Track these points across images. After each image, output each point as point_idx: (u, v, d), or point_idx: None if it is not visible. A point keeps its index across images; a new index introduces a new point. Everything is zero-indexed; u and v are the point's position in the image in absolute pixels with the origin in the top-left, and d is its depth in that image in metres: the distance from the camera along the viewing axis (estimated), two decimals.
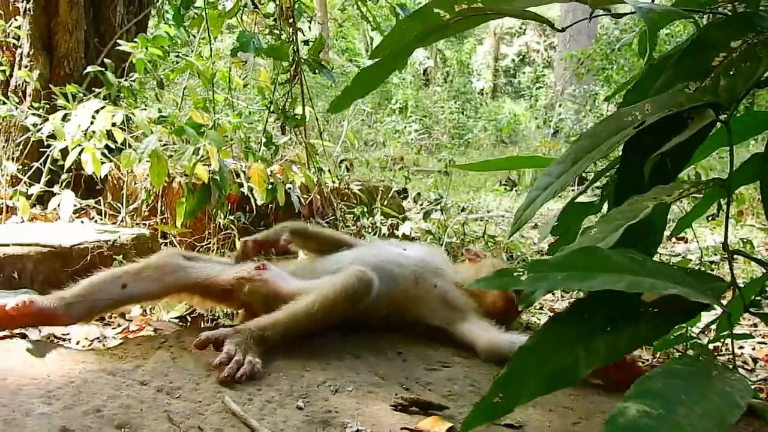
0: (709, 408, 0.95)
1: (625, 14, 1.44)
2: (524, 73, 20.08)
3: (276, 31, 4.10)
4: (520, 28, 20.71)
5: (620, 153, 1.46)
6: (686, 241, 5.23)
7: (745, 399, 0.97)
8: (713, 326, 2.33)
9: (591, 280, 1.10)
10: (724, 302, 1.23)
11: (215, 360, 1.67)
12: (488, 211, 6.69)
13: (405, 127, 13.93)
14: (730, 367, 1.12)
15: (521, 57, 20.70)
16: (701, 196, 1.98)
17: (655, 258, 4.30)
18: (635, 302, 1.16)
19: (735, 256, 1.52)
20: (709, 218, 4.54)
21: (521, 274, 1.12)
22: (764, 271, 1.42)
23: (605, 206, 1.83)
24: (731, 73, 1.29)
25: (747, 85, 1.26)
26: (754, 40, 1.31)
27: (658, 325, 1.17)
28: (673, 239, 5.24)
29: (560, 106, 14.06)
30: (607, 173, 1.90)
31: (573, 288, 1.09)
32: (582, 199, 2.13)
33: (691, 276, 1.16)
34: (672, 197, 1.19)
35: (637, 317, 1.15)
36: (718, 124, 1.36)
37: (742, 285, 1.90)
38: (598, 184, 2.16)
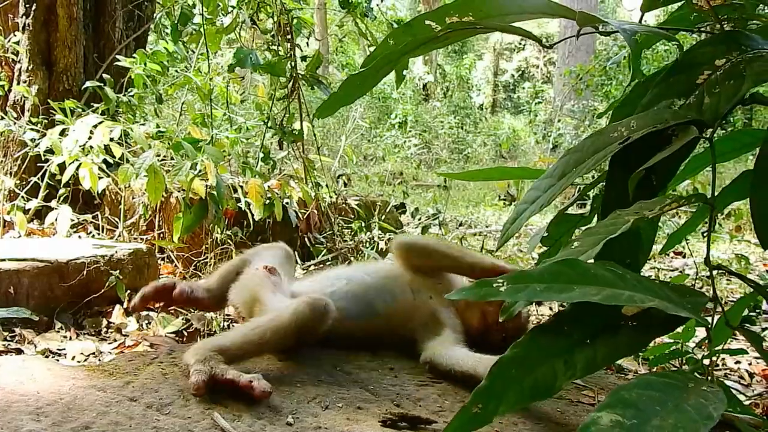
0: (683, 419, 0.95)
1: (613, 32, 1.46)
2: (523, 88, 20.15)
3: (274, 47, 4.13)
4: (520, 43, 20.80)
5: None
6: (684, 256, 5.24)
7: (718, 411, 0.97)
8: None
9: (569, 292, 1.11)
10: (713, 319, 1.24)
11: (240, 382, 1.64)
12: (486, 226, 6.70)
13: (404, 141, 13.98)
14: (720, 380, 1.13)
15: (520, 72, 20.78)
16: (693, 211, 1.99)
17: (653, 272, 4.29)
18: (615, 315, 1.17)
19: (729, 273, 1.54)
20: (705, 234, 4.55)
21: (500, 285, 1.13)
22: (752, 286, 1.42)
23: (595, 218, 1.85)
24: (715, 90, 1.31)
25: (730, 102, 1.28)
26: (738, 59, 1.33)
27: (636, 338, 1.17)
28: (671, 254, 5.25)
29: (559, 121, 14.09)
30: (597, 185, 1.91)
31: (552, 299, 1.11)
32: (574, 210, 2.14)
33: (671, 290, 1.17)
34: (653, 212, 1.20)
35: (617, 330, 1.16)
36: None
37: (737, 299, 1.91)
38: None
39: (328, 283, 2.21)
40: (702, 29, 1.61)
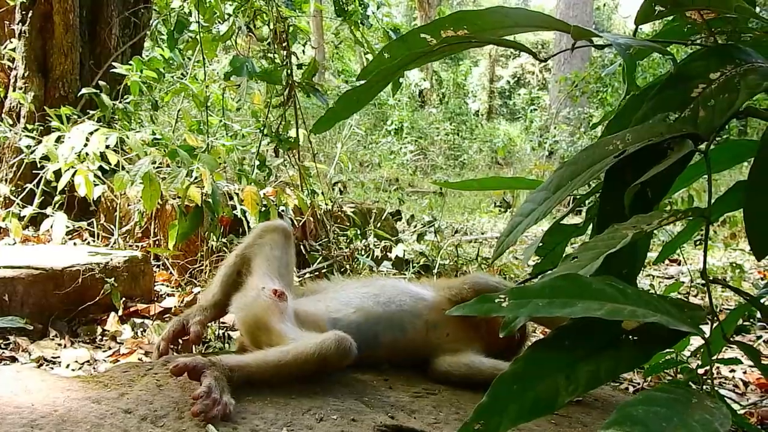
0: None
1: (607, 45, 1.46)
2: (519, 94, 20.21)
3: (270, 55, 4.14)
4: (515, 50, 20.83)
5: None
6: (679, 263, 5.25)
7: (724, 426, 0.97)
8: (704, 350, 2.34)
9: (572, 307, 1.11)
10: (708, 329, 1.24)
11: (196, 391, 1.62)
12: (482, 233, 6.70)
13: (400, 148, 13.98)
14: (718, 391, 1.13)
15: (516, 79, 20.83)
16: (689, 219, 2.00)
17: (648, 280, 4.29)
18: (616, 330, 1.16)
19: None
20: (698, 243, 4.56)
21: (502, 300, 1.13)
22: (746, 299, 1.43)
23: (590, 228, 1.84)
24: (710, 104, 1.31)
25: (725, 116, 1.28)
26: (733, 72, 1.33)
27: (638, 352, 1.17)
28: (666, 261, 5.26)
29: (555, 128, 14.12)
30: (592, 196, 1.92)
31: (554, 315, 1.10)
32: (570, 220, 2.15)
33: (670, 304, 1.17)
34: (651, 226, 1.20)
35: (618, 345, 1.16)
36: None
37: (731, 309, 1.91)
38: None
39: (335, 307, 2.14)
40: (695, 42, 1.62)
